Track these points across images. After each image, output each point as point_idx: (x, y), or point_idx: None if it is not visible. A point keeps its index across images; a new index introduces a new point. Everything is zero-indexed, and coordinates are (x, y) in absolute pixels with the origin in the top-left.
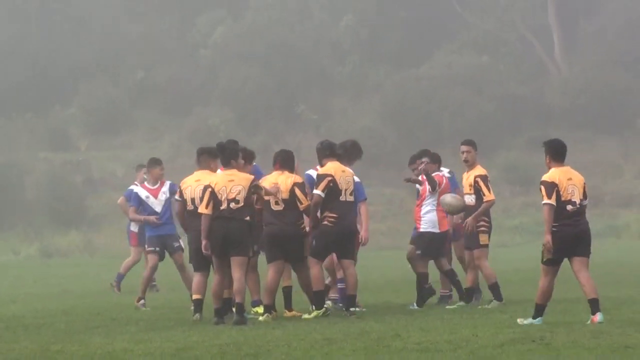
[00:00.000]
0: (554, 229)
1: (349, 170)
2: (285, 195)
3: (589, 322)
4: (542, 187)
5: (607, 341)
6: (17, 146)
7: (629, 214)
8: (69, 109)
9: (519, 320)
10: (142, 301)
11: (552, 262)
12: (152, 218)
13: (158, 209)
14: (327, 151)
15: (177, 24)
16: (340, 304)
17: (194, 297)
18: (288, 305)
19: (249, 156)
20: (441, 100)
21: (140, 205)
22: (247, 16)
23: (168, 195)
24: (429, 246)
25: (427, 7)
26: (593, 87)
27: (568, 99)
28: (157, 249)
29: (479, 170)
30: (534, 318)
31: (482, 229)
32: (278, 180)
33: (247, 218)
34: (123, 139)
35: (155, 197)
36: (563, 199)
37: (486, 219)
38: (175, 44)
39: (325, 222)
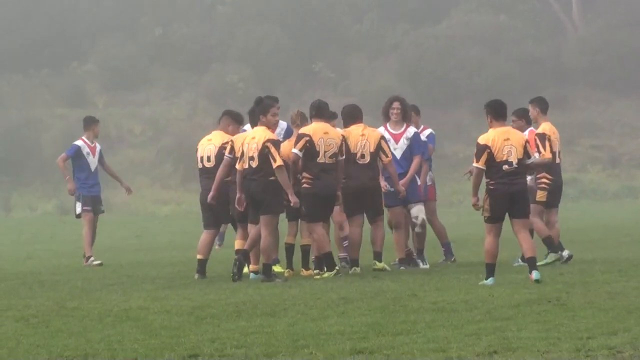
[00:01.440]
0: (490, 186)
1: (335, 131)
2: (372, 148)
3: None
4: (476, 149)
5: (623, 302)
6: (34, 103)
7: None
8: (86, 65)
9: (480, 283)
10: (91, 259)
11: (492, 220)
12: (71, 186)
13: (93, 167)
14: (313, 111)
15: None
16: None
17: (198, 256)
18: (305, 264)
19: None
20: (458, 59)
21: (79, 159)
22: None
23: (100, 155)
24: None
25: None
26: (610, 47)
27: (585, 59)
28: (91, 208)
29: (541, 128)
30: (486, 279)
31: (542, 185)
32: (365, 133)
33: (271, 178)
34: (140, 96)
35: (94, 155)
36: (498, 159)
37: (549, 176)
38: (192, 1)
39: (303, 184)
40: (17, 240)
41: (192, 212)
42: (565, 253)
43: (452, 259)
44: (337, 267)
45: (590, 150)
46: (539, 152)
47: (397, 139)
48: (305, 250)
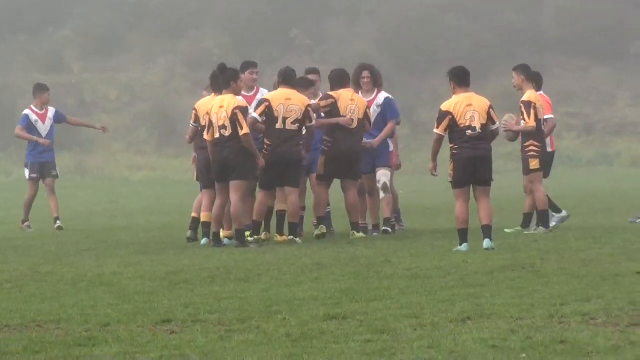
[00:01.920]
0: (454, 151)
1: (300, 98)
2: (360, 115)
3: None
4: (438, 115)
5: (597, 269)
6: (11, 68)
7: (621, 142)
8: (63, 31)
9: (454, 249)
10: (26, 223)
11: (458, 185)
12: (45, 141)
13: (44, 134)
14: (280, 78)
15: None
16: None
17: (194, 215)
18: (280, 230)
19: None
20: (436, 27)
21: (29, 128)
22: None
23: (52, 121)
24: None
25: None
26: (588, 16)
27: (563, 28)
28: (37, 175)
29: (526, 95)
30: (460, 245)
31: (532, 153)
32: (354, 99)
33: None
34: (117, 61)
35: (43, 122)
36: (461, 124)
37: (537, 143)
38: None
39: (264, 150)
40: None
41: (167, 178)
42: (564, 213)
43: (402, 227)
44: (257, 237)
45: (565, 118)
46: (523, 119)
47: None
48: (281, 216)
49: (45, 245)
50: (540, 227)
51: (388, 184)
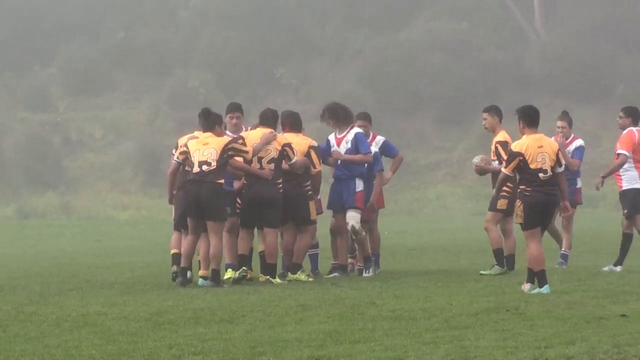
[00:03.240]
0: (526, 194)
1: (280, 138)
2: (299, 156)
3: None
4: (507, 155)
5: (580, 312)
6: None
7: (607, 184)
8: (49, 68)
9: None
10: None
11: (529, 227)
12: None
13: None
14: (259, 118)
15: None
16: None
17: (174, 251)
18: (264, 270)
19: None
20: (420, 66)
21: None
22: None
23: None
24: (632, 203)
25: None
26: (572, 54)
27: (547, 66)
28: None
29: (500, 136)
30: (540, 287)
31: (503, 193)
32: (294, 142)
33: (221, 181)
34: (102, 100)
35: None
36: (533, 167)
37: (510, 184)
38: (155, 5)
39: (242, 190)
40: None
41: (152, 217)
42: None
43: (378, 271)
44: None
45: None
46: (501, 160)
47: (338, 143)
48: (264, 256)
49: (30, 285)
50: (496, 267)
51: (357, 226)
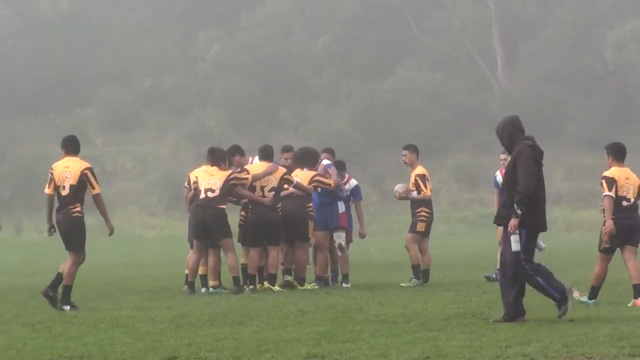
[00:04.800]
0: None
1: (279, 172)
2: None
3: (630, 304)
4: (604, 182)
5: (535, 316)
6: (43, 141)
7: (557, 210)
8: (88, 110)
9: (575, 294)
10: None
11: (608, 251)
12: None
13: None
14: (259, 154)
15: (180, 40)
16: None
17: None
18: (261, 280)
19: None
20: (402, 109)
21: None
22: (239, 34)
23: None
24: None
25: (390, 30)
26: (529, 100)
27: (507, 110)
28: None
29: (419, 170)
30: (589, 298)
31: (422, 217)
32: (299, 176)
33: (223, 206)
34: (133, 136)
35: None
36: (619, 194)
37: (427, 210)
38: (178, 57)
39: (248, 213)
40: (26, 258)
41: (174, 236)
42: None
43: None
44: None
45: None
46: (420, 191)
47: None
48: (261, 270)
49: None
50: (414, 279)
51: (343, 244)
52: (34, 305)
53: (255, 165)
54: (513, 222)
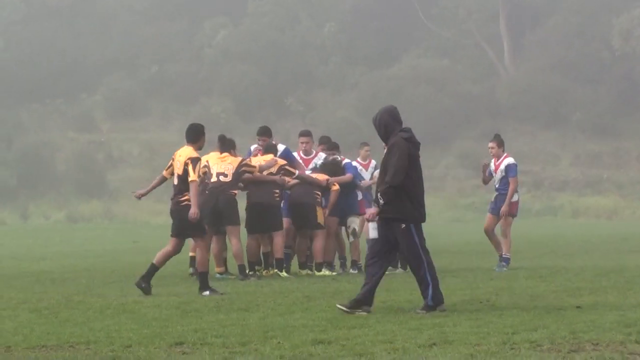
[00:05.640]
0: None
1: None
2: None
3: None
4: None
5: (542, 303)
6: (50, 128)
7: (564, 196)
8: (94, 96)
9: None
10: None
11: None
12: None
13: None
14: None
15: (186, 27)
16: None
17: (191, 254)
18: (267, 267)
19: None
20: (408, 96)
21: None
22: (245, 22)
23: None
24: None
25: (397, 17)
26: (535, 87)
27: (514, 98)
28: None
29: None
30: None
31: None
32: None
33: (235, 192)
34: (139, 123)
35: None
36: None
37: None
38: (184, 44)
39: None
40: (33, 243)
41: None
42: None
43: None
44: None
45: (518, 175)
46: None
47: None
48: (266, 255)
49: (78, 278)
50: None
51: (357, 229)
52: (41, 291)
53: (255, 159)
54: (372, 210)
